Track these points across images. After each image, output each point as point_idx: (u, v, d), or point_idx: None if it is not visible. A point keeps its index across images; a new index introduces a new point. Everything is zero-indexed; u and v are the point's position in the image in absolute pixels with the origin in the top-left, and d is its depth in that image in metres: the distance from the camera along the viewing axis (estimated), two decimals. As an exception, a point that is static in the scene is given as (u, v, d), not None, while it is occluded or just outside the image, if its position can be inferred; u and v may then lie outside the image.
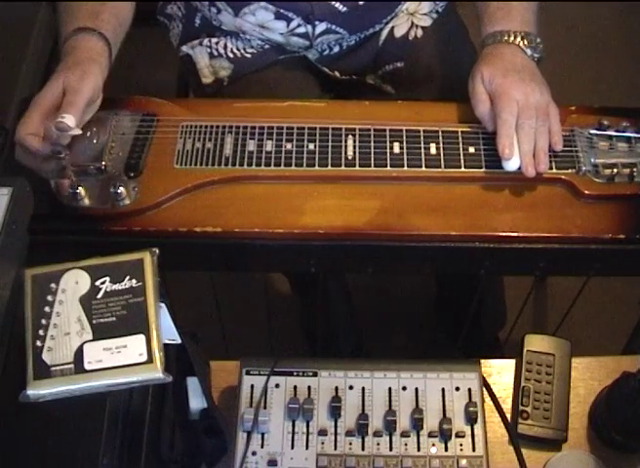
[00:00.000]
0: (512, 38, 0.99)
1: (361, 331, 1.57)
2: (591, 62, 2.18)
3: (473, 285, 1.22)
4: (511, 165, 0.94)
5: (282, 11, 1.08)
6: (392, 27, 1.20)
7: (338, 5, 1.09)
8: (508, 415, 0.94)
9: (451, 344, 1.57)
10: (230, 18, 1.11)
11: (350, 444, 0.88)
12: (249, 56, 1.18)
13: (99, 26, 0.98)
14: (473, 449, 0.87)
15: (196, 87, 1.22)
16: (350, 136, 0.98)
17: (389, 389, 0.91)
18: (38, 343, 0.72)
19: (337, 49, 1.19)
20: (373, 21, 1.17)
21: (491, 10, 1.02)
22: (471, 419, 0.88)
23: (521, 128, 0.94)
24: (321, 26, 1.12)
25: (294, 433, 0.88)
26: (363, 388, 0.91)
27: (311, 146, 0.97)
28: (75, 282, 0.75)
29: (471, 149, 0.97)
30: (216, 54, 1.18)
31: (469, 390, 0.91)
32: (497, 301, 1.51)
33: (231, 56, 1.18)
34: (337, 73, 1.21)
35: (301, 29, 1.11)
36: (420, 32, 1.19)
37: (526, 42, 0.99)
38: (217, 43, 1.18)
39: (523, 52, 0.99)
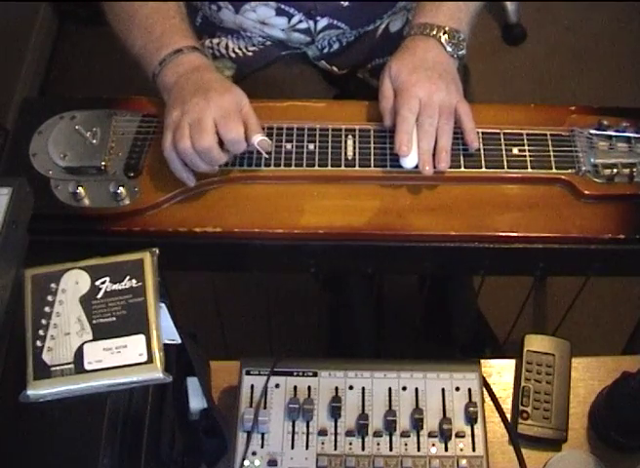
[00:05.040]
0: (435, 32, 0.98)
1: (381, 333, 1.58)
2: (591, 62, 2.18)
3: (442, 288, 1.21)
4: (408, 162, 0.94)
5: (283, 7, 1.08)
6: (388, 22, 1.20)
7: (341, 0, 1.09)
8: (508, 415, 0.94)
9: (451, 344, 1.57)
10: (231, 15, 1.11)
11: (350, 444, 0.88)
12: (250, 54, 1.18)
13: (193, 42, 0.99)
14: (473, 449, 0.87)
15: None
16: (350, 137, 0.98)
17: (389, 389, 0.91)
18: (38, 343, 0.72)
19: (336, 46, 1.19)
20: (374, 16, 1.16)
21: (423, 3, 1.03)
22: (471, 419, 0.88)
23: (420, 125, 0.93)
24: (323, 22, 1.11)
25: (294, 433, 0.88)
26: (363, 388, 0.91)
27: (311, 146, 0.97)
28: (75, 282, 0.75)
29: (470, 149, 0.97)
30: (218, 54, 1.19)
31: (469, 390, 0.91)
32: (467, 305, 1.52)
33: (233, 55, 1.18)
34: (334, 68, 1.21)
35: (303, 25, 1.11)
36: None
37: (447, 37, 0.98)
38: (218, 43, 1.18)
39: (442, 47, 0.98)
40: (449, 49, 0.98)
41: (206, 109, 0.89)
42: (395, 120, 0.94)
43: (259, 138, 0.92)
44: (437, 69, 0.96)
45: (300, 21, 1.11)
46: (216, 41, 1.19)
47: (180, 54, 0.96)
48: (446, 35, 0.98)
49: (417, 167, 0.94)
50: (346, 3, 1.10)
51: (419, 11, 1.03)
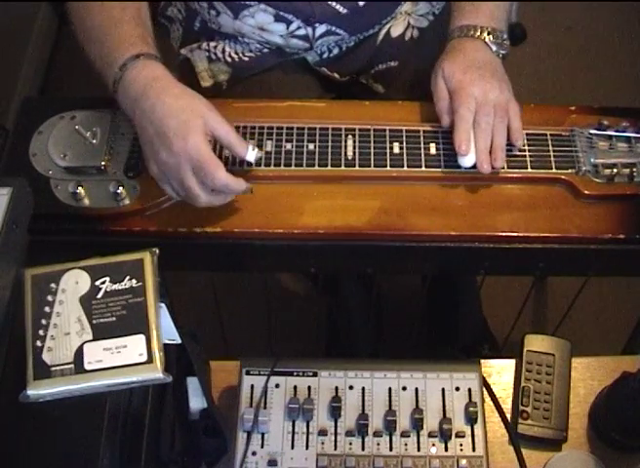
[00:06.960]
0: (478, 33, 0.99)
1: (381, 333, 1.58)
2: (591, 62, 2.18)
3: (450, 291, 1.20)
4: (467, 161, 0.94)
5: (282, 13, 1.08)
6: (389, 27, 1.20)
7: (338, 7, 1.09)
8: (508, 415, 0.94)
9: (452, 344, 1.57)
10: (230, 20, 1.11)
11: (350, 444, 0.88)
12: (247, 59, 1.17)
13: (151, 50, 0.95)
14: (473, 449, 0.87)
15: (196, 90, 1.22)
16: (350, 137, 0.98)
17: (389, 389, 0.91)
18: (38, 343, 0.72)
19: (336, 51, 1.18)
20: (373, 22, 1.16)
21: (461, 5, 1.03)
22: (471, 419, 0.88)
23: (478, 124, 0.94)
24: (321, 28, 1.11)
25: (294, 433, 0.88)
26: (363, 388, 0.91)
27: (311, 146, 0.97)
28: (75, 282, 0.75)
29: (471, 149, 0.97)
30: (214, 58, 1.18)
31: (469, 390, 0.91)
32: (472, 310, 1.51)
33: (229, 60, 1.18)
34: (336, 75, 1.21)
35: (301, 31, 1.11)
36: (416, 33, 1.19)
37: (492, 38, 0.99)
38: (215, 47, 1.18)
39: (487, 47, 0.99)
40: (494, 48, 0.99)
41: (179, 168, 0.86)
42: (453, 119, 0.95)
43: (254, 156, 0.91)
44: (488, 68, 0.97)
45: (299, 28, 1.11)
46: (213, 44, 1.18)
47: (123, 72, 0.92)
48: (490, 35, 0.99)
49: (474, 166, 0.94)
50: (345, 10, 1.10)
51: (457, 13, 1.03)
